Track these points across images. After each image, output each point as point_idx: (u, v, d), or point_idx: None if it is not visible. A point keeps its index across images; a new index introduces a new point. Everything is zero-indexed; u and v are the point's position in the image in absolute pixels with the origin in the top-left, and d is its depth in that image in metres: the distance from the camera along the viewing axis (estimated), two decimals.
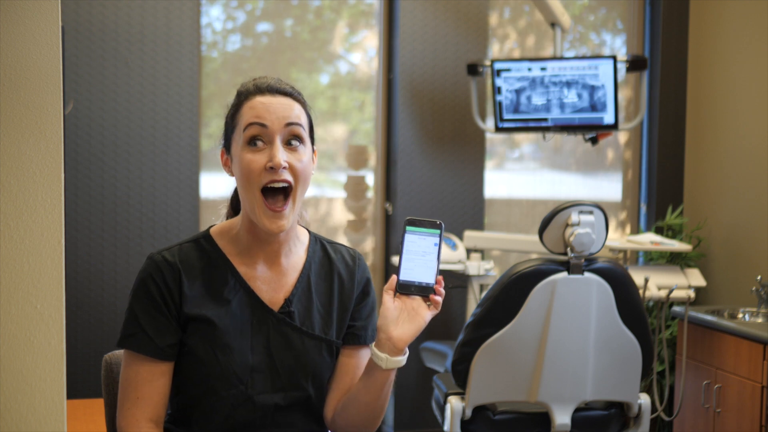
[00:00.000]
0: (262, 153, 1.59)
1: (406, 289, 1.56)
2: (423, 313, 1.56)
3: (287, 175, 1.59)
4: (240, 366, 1.61)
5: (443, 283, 1.57)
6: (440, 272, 1.57)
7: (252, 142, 1.59)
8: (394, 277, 1.57)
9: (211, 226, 1.74)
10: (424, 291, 1.56)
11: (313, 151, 1.68)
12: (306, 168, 1.62)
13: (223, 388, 1.61)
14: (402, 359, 1.58)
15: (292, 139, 1.61)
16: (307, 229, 1.78)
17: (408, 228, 1.58)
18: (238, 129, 1.62)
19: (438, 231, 1.57)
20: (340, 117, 4.30)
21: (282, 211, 1.59)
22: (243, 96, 1.64)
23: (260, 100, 1.61)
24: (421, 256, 1.57)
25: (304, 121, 1.64)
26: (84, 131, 3.77)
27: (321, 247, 1.76)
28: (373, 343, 1.59)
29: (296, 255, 1.71)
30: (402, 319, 1.56)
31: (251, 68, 4.13)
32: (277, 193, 1.60)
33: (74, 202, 3.76)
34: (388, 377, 1.60)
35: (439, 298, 1.56)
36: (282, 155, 1.58)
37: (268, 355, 1.64)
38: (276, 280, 1.68)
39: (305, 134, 1.63)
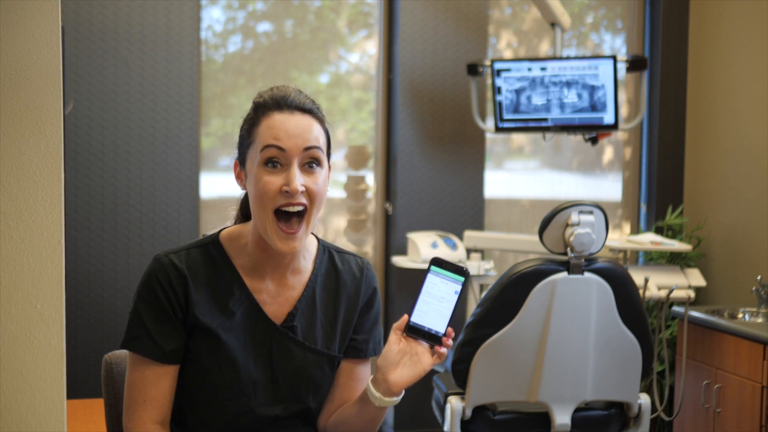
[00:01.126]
0: (278, 175, 1.55)
1: (414, 332, 1.52)
2: (425, 361, 1.53)
3: (303, 199, 1.55)
4: (243, 379, 1.61)
5: (453, 335, 1.53)
6: (452, 323, 1.52)
7: (269, 163, 1.55)
8: (405, 316, 1.54)
9: (222, 230, 1.70)
10: (431, 339, 1.52)
11: (329, 166, 1.64)
12: (322, 190, 1.58)
13: (226, 397, 1.61)
14: (396, 400, 1.56)
15: (310, 162, 1.57)
16: (317, 237, 1.76)
17: (432, 268, 1.53)
18: (254, 147, 1.57)
19: (462, 279, 1.51)
20: (340, 117, 4.30)
21: (296, 233, 1.56)
22: (260, 111, 1.59)
23: (278, 119, 1.56)
24: (438, 301, 1.52)
25: (322, 142, 1.59)
26: (84, 131, 3.77)
27: (329, 258, 1.73)
28: (371, 379, 1.58)
29: (303, 267, 1.69)
30: (403, 363, 1.53)
31: (251, 69, 4.14)
32: (291, 216, 1.57)
33: (74, 202, 3.76)
34: (380, 413, 1.60)
35: (444, 351, 1.53)
36: (299, 180, 1.54)
37: (270, 368, 1.64)
38: (281, 293, 1.66)
39: (323, 156, 1.59)
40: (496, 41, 4.43)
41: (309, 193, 1.56)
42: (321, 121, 1.61)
